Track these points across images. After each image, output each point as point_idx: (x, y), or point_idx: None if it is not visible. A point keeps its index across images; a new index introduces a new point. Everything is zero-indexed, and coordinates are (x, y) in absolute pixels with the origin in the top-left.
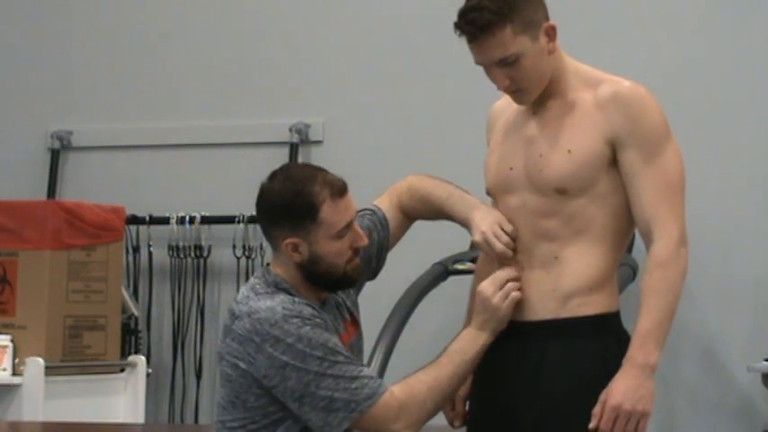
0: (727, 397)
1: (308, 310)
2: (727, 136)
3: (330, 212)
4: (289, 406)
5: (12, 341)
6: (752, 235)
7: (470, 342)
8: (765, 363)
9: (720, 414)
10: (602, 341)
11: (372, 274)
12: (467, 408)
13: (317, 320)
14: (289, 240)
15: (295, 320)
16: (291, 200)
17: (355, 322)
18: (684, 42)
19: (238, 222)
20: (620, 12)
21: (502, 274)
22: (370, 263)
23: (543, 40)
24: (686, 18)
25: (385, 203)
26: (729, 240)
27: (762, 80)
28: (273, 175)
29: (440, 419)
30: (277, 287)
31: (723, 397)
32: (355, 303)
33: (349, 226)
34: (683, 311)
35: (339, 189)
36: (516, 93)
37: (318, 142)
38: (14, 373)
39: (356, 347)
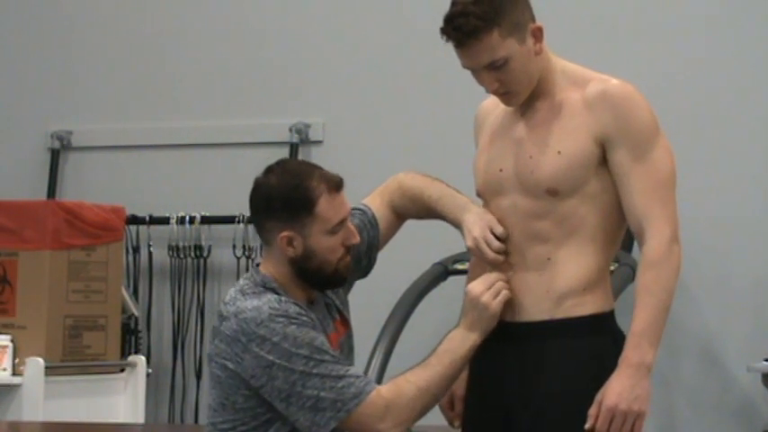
0: (727, 397)
1: (294, 309)
2: (727, 136)
3: (326, 207)
4: (276, 406)
5: (12, 341)
6: (751, 235)
7: (460, 342)
8: (765, 363)
9: (720, 414)
10: (597, 341)
11: (363, 273)
12: None
13: (304, 319)
14: (284, 233)
15: (281, 319)
16: (289, 192)
17: (345, 321)
18: (684, 42)
19: (238, 222)
20: (619, 11)
21: (492, 274)
22: (360, 261)
23: (530, 41)
24: (685, 18)
25: (375, 202)
26: (729, 241)
27: (762, 80)
28: (269, 170)
29: (440, 420)
30: (265, 287)
31: (723, 397)
32: (344, 302)
33: (343, 222)
34: (683, 312)
35: (336, 184)
36: (505, 95)
37: (318, 142)
38: (14, 373)
39: (346, 346)
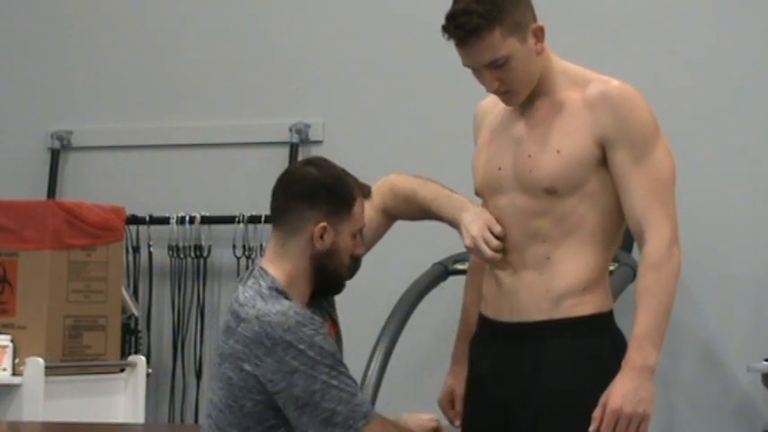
0: (727, 397)
1: (318, 319)
2: (727, 136)
3: (359, 209)
4: (288, 415)
5: (12, 341)
6: (751, 235)
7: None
8: (765, 363)
9: (720, 414)
10: (596, 341)
11: (350, 275)
12: None
13: (326, 330)
14: (322, 224)
15: (307, 328)
16: (336, 185)
17: (334, 323)
18: (684, 41)
19: (238, 222)
20: (618, 11)
21: None
22: None
23: (531, 41)
24: (685, 17)
25: (366, 205)
26: (729, 240)
27: (762, 80)
28: (308, 162)
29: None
30: (277, 290)
31: (723, 397)
32: (332, 304)
33: (362, 231)
34: (683, 312)
35: (366, 192)
36: (505, 94)
37: (318, 142)
38: (14, 373)
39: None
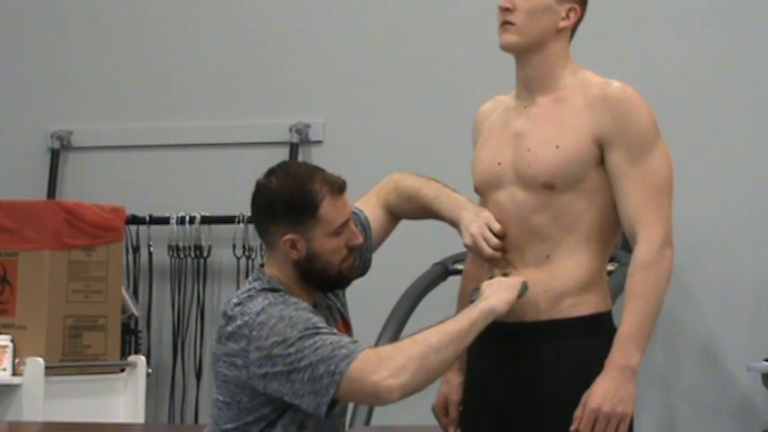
0: (727, 397)
1: (293, 299)
2: (728, 136)
3: (329, 210)
4: (285, 395)
5: (12, 341)
6: (751, 235)
7: (466, 312)
8: (765, 363)
9: (720, 414)
10: (595, 341)
11: (359, 274)
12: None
13: (303, 305)
14: (287, 237)
15: (279, 305)
16: (292, 196)
17: (346, 323)
18: (685, 42)
19: (238, 222)
20: (620, 11)
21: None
22: (354, 263)
23: (562, 11)
24: (686, 18)
25: (371, 202)
26: (729, 240)
27: (762, 80)
28: (271, 172)
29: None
30: (272, 289)
31: (723, 397)
32: (344, 304)
33: (345, 224)
34: (683, 312)
35: (339, 187)
36: (506, 26)
37: (318, 142)
38: (14, 373)
39: None
